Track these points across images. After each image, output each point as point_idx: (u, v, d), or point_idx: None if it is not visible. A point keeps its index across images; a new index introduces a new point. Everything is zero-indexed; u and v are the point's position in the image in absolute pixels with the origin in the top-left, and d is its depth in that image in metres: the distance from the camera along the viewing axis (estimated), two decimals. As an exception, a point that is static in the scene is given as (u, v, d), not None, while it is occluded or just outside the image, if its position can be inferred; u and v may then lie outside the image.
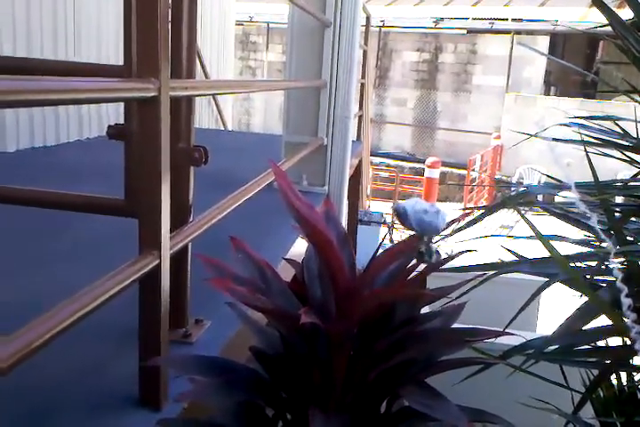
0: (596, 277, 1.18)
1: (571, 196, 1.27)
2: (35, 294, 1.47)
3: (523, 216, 0.85)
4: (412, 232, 0.99)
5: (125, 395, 1.09)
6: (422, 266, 1.04)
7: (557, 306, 2.66)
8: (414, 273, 1.04)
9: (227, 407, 1.01)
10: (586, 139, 1.30)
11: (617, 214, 1.26)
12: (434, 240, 0.98)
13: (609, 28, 1.29)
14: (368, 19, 5.30)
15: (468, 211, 1.35)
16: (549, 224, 1.20)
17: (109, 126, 1.23)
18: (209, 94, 3.65)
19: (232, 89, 1.87)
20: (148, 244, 1.02)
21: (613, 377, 1.36)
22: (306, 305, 0.96)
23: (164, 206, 1.02)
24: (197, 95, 1.30)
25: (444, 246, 1.07)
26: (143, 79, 0.95)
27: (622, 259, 1.07)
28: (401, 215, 0.95)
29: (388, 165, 12.06)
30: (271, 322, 1.04)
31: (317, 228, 0.93)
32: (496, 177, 11.08)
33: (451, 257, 1.07)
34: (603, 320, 1.00)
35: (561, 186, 1.27)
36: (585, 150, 1.17)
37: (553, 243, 0.86)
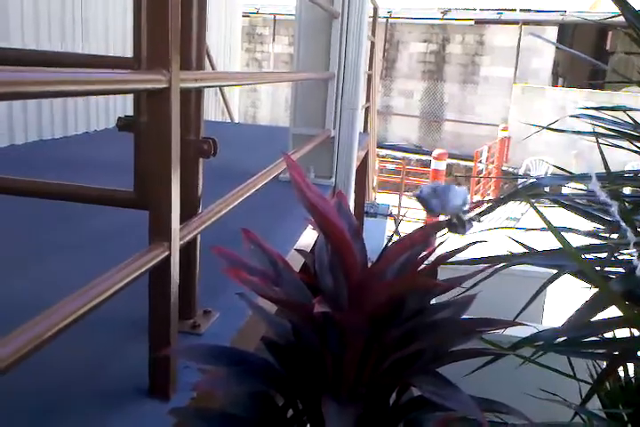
0: (605, 269, 1.18)
1: (580, 187, 1.26)
2: (45, 285, 1.48)
3: (535, 208, 0.85)
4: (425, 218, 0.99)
5: (134, 385, 1.10)
6: (433, 257, 1.05)
7: (563, 299, 2.66)
8: (425, 264, 1.04)
9: (237, 397, 1.02)
10: (597, 129, 1.29)
11: (626, 205, 1.26)
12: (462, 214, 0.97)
13: (620, 18, 1.28)
14: (375, 10, 5.27)
15: (478, 203, 1.34)
16: (552, 216, 1.20)
17: (119, 118, 1.23)
18: (219, 86, 3.66)
19: (241, 81, 1.87)
20: (158, 235, 1.03)
21: (620, 368, 1.36)
22: (317, 295, 0.96)
23: (173, 198, 1.02)
24: (207, 87, 1.30)
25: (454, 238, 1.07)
26: (154, 71, 0.95)
27: (634, 250, 1.07)
28: (425, 201, 0.95)
29: (394, 157, 12.02)
30: (283, 312, 1.05)
31: (330, 219, 0.93)
32: (503, 169, 11.04)
33: (460, 249, 1.07)
34: (610, 312, 1.00)
35: (572, 177, 1.26)
36: (597, 141, 1.16)
37: (563, 235, 0.86)
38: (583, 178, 1.22)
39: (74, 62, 1.43)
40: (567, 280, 1.16)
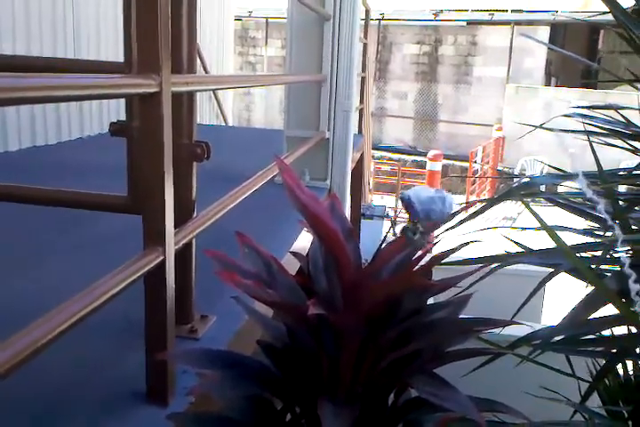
0: (601, 267, 1.18)
1: (575, 186, 1.27)
2: (41, 291, 1.47)
3: (528, 207, 0.85)
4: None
5: (132, 391, 1.10)
6: (428, 257, 1.05)
7: (562, 297, 2.66)
8: (420, 265, 1.04)
9: (233, 401, 1.01)
10: (589, 128, 1.30)
11: (620, 203, 1.26)
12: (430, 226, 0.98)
13: (610, 17, 1.28)
14: (367, 12, 5.28)
15: (471, 203, 1.35)
16: (549, 215, 1.20)
17: (112, 123, 1.23)
18: (211, 89, 3.66)
19: (233, 84, 1.87)
20: (152, 240, 1.02)
21: (619, 366, 1.36)
22: (312, 297, 0.96)
23: (167, 202, 1.02)
24: (199, 90, 1.29)
25: (449, 238, 1.07)
26: (144, 75, 0.95)
27: (627, 248, 1.07)
28: (408, 205, 0.95)
29: (389, 159, 12.04)
30: (278, 315, 1.05)
31: (323, 220, 0.93)
32: (498, 169, 11.06)
33: (454, 249, 1.07)
34: (607, 310, 1.00)
35: (566, 176, 1.27)
36: (589, 140, 1.17)
37: (558, 233, 0.86)
38: (576, 176, 1.22)
39: (64, 67, 1.43)
40: (567, 278, 1.16)
